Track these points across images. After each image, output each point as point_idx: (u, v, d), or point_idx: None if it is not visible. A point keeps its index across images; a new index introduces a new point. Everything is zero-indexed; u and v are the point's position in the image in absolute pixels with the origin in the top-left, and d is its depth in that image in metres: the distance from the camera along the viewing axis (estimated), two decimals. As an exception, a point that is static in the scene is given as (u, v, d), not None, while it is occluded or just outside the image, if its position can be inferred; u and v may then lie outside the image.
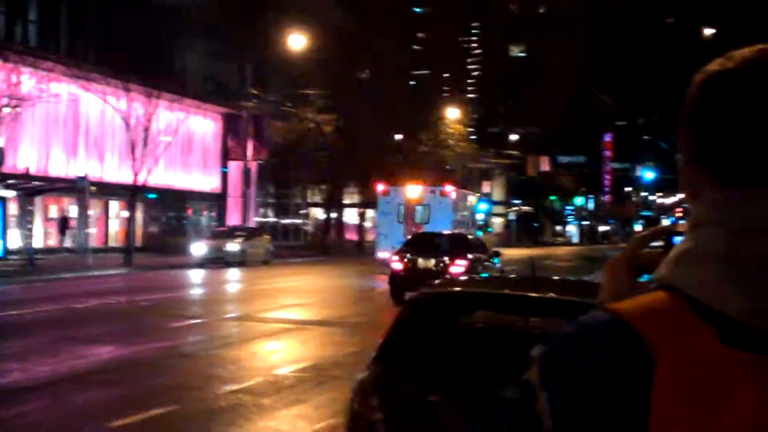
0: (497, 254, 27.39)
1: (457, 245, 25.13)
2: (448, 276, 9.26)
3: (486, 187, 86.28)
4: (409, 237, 28.45)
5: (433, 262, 23.65)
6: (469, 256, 24.07)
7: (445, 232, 29.38)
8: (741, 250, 1.11)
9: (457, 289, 6.96)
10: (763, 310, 1.08)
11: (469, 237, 29.21)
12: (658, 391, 1.07)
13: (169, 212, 49.55)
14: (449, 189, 39.34)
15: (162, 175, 46.15)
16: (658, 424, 1.06)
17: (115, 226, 46.67)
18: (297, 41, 46.29)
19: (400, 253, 24.46)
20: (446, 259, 23.55)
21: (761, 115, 1.13)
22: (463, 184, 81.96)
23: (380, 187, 40.37)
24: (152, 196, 45.35)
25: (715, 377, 1.06)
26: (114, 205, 46.34)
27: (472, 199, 47.40)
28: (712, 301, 1.11)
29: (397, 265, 23.84)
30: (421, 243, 25.48)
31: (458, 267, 23.04)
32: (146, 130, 37.00)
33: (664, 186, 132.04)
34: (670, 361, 1.08)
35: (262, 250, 40.55)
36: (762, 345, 1.07)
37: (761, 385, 1.05)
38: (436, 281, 7.50)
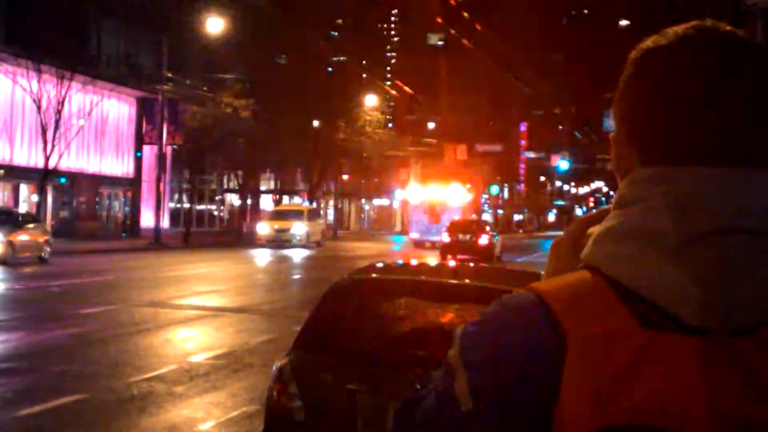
0: (499, 233, 43.94)
1: (479, 227, 40.37)
2: (378, 263, 9.28)
3: (402, 175, 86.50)
4: (449, 223, 41.77)
5: (468, 237, 37.85)
6: (486, 233, 38.75)
7: (471, 218, 47.74)
8: (665, 229, 1.10)
9: (375, 276, 6.89)
10: (673, 290, 1.08)
11: (484, 222, 46.91)
12: (567, 371, 1.07)
13: (80, 197, 48.60)
14: (458, 187, 57.45)
15: (74, 159, 45.25)
16: (564, 405, 1.07)
17: (24, 211, 45.61)
18: (214, 24, 45.72)
19: (448, 231, 38.74)
20: (474, 235, 38.02)
21: (690, 90, 1.13)
22: (380, 171, 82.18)
23: (410, 187, 61.65)
24: (63, 180, 44.44)
25: (627, 357, 1.06)
26: (24, 189, 45.30)
27: (468, 194, 62.85)
28: (629, 281, 1.10)
29: (447, 239, 38.18)
30: (457, 226, 39.82)
31: (483, 239, 37.76)
32: (58, 112, 36.24)
33: (578, 176, 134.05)
34: (582, 341, 1.08)
35: (37, 242, 30.69)
36: (675, 324, 1.07)
37: (673, 364, 1.06)
38: (362, 267, 7.46)
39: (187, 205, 54.40)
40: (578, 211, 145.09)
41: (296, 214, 47.81)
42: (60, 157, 36.65)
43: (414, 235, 53.01)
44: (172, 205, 57.65)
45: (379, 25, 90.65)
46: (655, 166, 1.15)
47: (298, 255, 39.48)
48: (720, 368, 1.06)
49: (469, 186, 65.59)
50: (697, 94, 1.13)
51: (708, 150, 1.13)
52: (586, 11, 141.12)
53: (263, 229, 46.20)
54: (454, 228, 39.43)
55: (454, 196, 54.62)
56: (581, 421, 1.06)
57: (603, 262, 1.14)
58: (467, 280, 6.39)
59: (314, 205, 59.97)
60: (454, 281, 6.28)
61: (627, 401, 1.05)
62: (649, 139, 1.16)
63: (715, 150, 1.13)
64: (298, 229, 45.75)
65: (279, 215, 48.04)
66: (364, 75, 70.62)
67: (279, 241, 44.51)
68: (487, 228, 41.35)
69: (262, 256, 37.60)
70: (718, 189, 1.11)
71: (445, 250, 37.43)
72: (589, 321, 1.10)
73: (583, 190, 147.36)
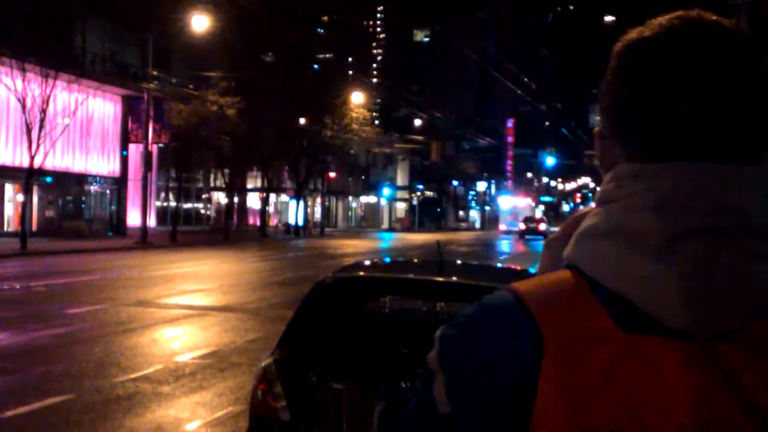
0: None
1: (539, 220, 76.81)
2: (354, 261, 9.28)
3: (390, 172, 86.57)
4: (522, 218, 77.08)
5: (533, 225, 72.57)
6: (543, 223, 74.91)
7: (534, 215, 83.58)
8: (647, 227, 1.07)
9: (362, 273, 6.84)
10: (655, 291, 1.04)
11: (542, 217, 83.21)
12: (543, 374, 1.05)
13: (66, 196, 48.43)
14: (529, 200, 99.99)
15: (59, 158, 45.07)
16: (540, 410, 1.04)
17: (9, 210, 45.45)
18: (200, 22, 45.59)
19: (524, 222, 74.27)
20: (536, 224, 73.16)
21: (674, 84, 1.09)
22: (367, 168, 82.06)
23: (502, 200, 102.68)
24: (49, 179, 44.25)
25: (605, 361, 1.03)
26: (9, 189, 45.12)
27: (532, 202, 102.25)
28: (609, 281, 1.07)
29: (522, 227, 73.15)
30: (527, 219, 75.28)
31: (542, 226, 72.13)
32: (43, 111, 36.01)
33: (564, 172, 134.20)
34: (558, 344, 1.05)
35: None
36: (652, 325, 1.04)
37: (653, 369, 1.02)
38: (348, 264, 7.41)
39: (173, 204, 54.28)
40: (565, 207, 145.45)
41: None
42: (45, 156, 36.45)
43: (502, 227, 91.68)
44: (158, 203, 57.50)
45: (365, 22, 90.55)
46: (638, 162, 1.11)
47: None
48: (702, 374, 1.02)
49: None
50: (681, 88, 1.08)
51: (692, 145, 1.09)
52: (571, 7, 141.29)
53: None
54: (525, 221, 74.70)
55: (523, 204, 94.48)
56: (557, 427, 1.04)
57: (583, 261, 1.11)
58: (454, 278, 6.35)
59: None
60: (441, 279, 6.23)
61: (604, 407, 1.02)
62: (633, 134, 1.12)
63: (699, 145, 1.09)
64: None
65: None
66: (350, 72, 70.53)
67: None
68: (544, 220, 77.06)
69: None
70: (702, 186, 1.07)
71: (521, 233, 71.97)
72: (566, 323, 1.06)
73: (570, 186, 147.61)
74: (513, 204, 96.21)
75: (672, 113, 1.09)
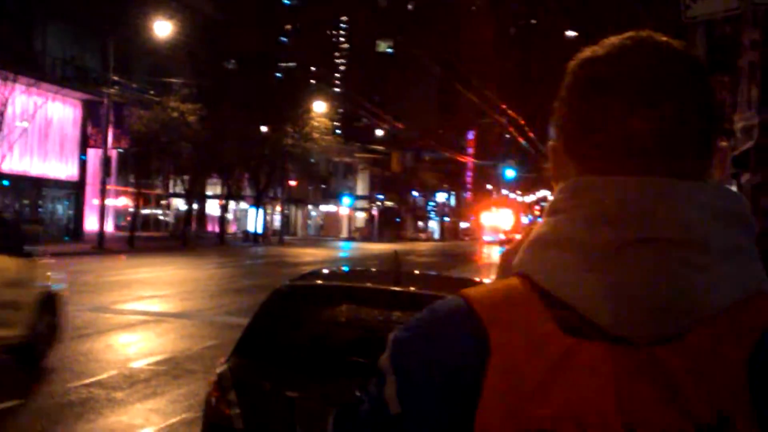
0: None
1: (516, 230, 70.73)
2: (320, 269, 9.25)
3: (350, 182, 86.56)
4: (504, 230, 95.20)
5: (512, 236, 60.18)
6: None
7: (513, 228, 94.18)
8: (587, 238, 1.10)
9: (318, 282, 6.85)
10: (596, 298, 1.08)
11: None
12: (488, 376, 1.08)
13: (23, 200, 47.93)
14: (510, 213, 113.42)
15: (17, 162, 44.62)
16: (483, 410, 1.07)
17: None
18: (162, 28, 45.37)
19: (506, 233, 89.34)
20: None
21: (622, 101, 1.13)
22: (328, 177, 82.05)
23: (485, 213, 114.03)
24: (5, 182, 43.79)
25: (547, 364, 1.06)
26: (-35, 191, 44.59)
27: (512, 217, 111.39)
28: (555, 288, 1.11)
29: (503, 237, 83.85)
30: (508, 232, 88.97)
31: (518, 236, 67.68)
32: (1, 114, 35.66)
33: (524, 184, 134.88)
34: (504, 347, 1.09)
35: None
36: (596, 331, 1.07)
37: (590, 372, 1.05)
38: (306, 273, 7.41)
39: (132, 209, 53.88)
40: (524, 219, 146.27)
41: None
42: (2, 159, 36.12)
43: (486, 238, 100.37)
44: (116, 208, 57.06)
45: (328, 32, 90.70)
46: (586, 175, 1.15)
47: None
48: (635, 377, 1.05)
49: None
50: (628, 105, 1.12)
51: (638, 161, 1.12)
52: (533, 21, 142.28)
53: None
54: (506, 233, 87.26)
55: (504, 219, 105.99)
56: (497, 428, 1.07)
57: (531, 269, 1.15)
58: (412, 288, 6.37)
59: None
60: (399, 288, 6.25)
61: (543, 409, 1.05)
62: (583, 149, 1.16)
63: (645, 161, 1.12)
64: None
65: None
66: (313, 81, 70.50)
67: None
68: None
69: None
70: (643, 199, 1.10)
71: (502, 243, 75.96)
72: (513, 327, 1.10)
73: (529, 198, 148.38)
74: (495, 217, 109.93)
75: (619, 129, 1.13)
